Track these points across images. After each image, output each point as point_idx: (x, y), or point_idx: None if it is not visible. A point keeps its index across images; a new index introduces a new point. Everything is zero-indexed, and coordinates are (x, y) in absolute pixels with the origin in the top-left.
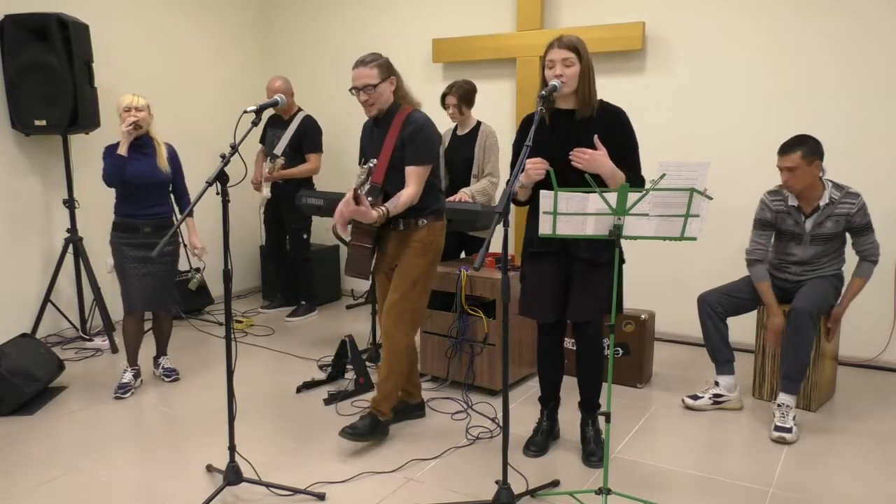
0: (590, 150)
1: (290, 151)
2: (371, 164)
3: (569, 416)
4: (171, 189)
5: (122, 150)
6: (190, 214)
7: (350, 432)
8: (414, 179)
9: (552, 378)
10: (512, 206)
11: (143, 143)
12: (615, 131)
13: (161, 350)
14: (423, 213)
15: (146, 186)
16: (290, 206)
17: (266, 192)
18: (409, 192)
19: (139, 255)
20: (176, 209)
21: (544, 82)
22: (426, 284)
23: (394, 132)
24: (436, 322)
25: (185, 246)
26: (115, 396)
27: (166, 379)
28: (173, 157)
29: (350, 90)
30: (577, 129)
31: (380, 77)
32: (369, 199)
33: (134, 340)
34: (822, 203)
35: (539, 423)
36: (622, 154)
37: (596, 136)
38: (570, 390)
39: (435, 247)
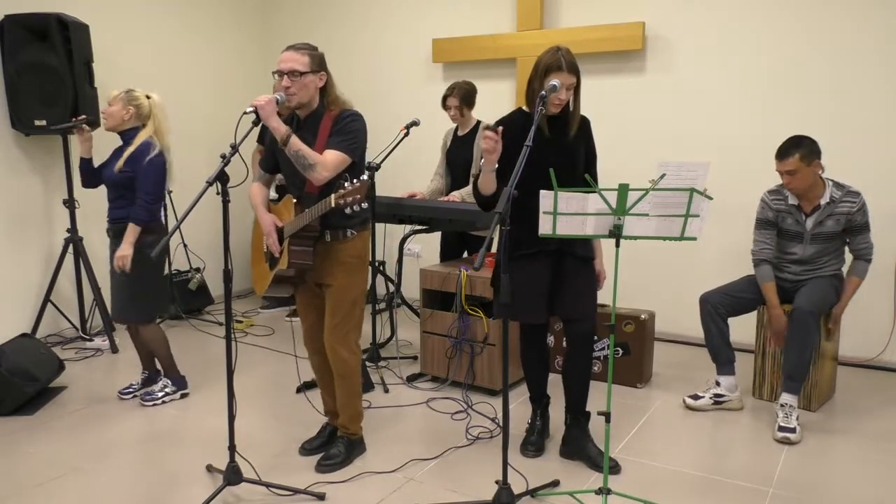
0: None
1: None
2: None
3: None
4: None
5: (81, 152)
6: (184, 219)
7: (328, 464)
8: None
9: (540, 377)
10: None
11: (126, 138)
12: (586, 137)
13: (144, 365)
14: (351, 223)
15: (108, 188)
16: None
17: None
18: (323, 162)
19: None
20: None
21: (541, 90)
22: (363, 297)
23: (323, 136)
24: (436, 322)
25: (185, 245)
26: (118, 395)
27: (143, 401)
28: (137, 157)
29: (273, 73)
30: (562, 134)
31: (309, 67)
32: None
33: (138, 348)
34: (822, 202)
35: (532, 423)
36: (589, 160)
37: None
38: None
39: (367, 259)
